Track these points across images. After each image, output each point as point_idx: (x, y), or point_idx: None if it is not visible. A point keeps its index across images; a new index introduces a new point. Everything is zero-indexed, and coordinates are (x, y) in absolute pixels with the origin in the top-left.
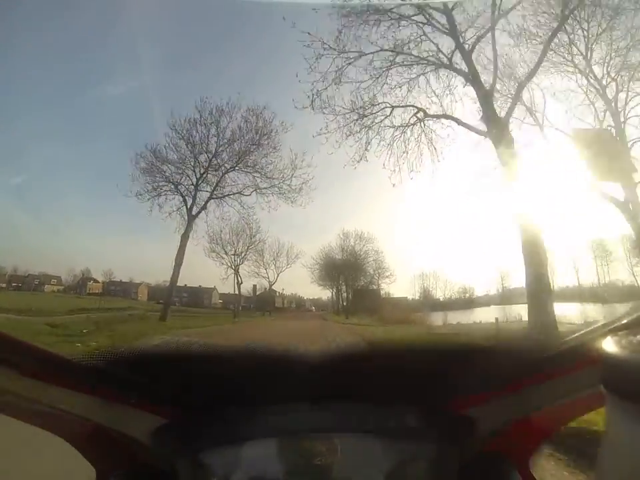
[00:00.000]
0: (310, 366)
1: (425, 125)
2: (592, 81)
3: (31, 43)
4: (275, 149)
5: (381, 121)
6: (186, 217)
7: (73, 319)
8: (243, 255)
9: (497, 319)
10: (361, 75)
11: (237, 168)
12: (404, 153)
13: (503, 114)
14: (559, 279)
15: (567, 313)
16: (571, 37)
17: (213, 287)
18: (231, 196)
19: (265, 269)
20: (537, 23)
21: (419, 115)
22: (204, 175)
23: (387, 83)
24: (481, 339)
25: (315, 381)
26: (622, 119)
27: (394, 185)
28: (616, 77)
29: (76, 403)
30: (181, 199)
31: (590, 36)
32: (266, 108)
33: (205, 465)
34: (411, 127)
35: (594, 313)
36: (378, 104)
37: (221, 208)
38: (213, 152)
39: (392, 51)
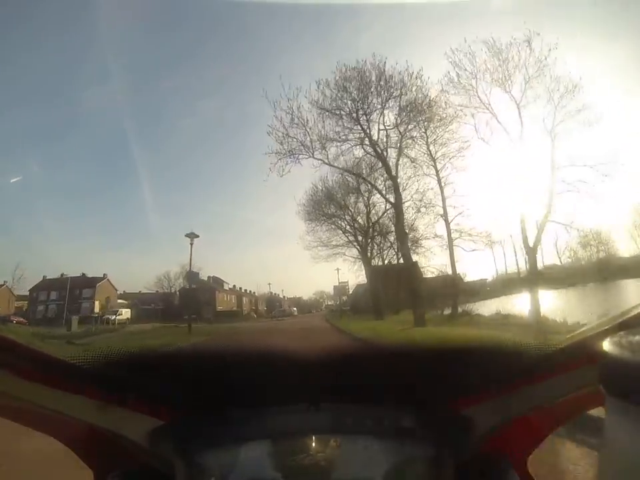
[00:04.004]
0: (308, 366)
1: None
2: None
3: None
4: None
5: None
6: None
7: None
8: None
9: None
10: None
11: None
12: None
13: None
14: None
15: None
16: None
17: (102, 275)
18: None
19: None
20: None
21: None
22: None
23: None
24: (479, 338)
25: (314, 382)
26: None
27: None
28: None
29: (73, 405)
30: None
31: None
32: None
33: (203, 466)
34: None
35: None
36: None
37: None
38: None
39: None
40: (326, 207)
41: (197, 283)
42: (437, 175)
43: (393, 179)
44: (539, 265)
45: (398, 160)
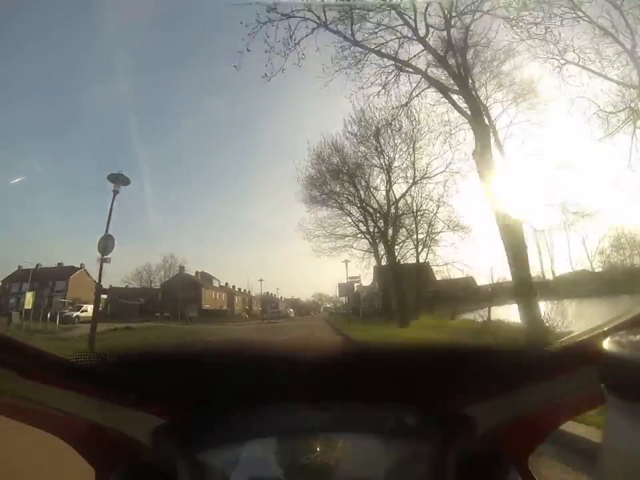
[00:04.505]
0: (310, 365)
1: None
2: None
3: None
4: None
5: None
6: None
7: None
8: None
9: None
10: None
11: None
12: None
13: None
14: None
15: None
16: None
17: (80, 265)
18: None
19: None
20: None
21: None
22: None
23: None
24: (480, 338)
25: (315, 381)
26: None
27: None
28: None
29: (75, 403)
30: None
31: None
32: None
33: (205, 465)
34: None
35: None
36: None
37: None
38: None
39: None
40: (333, 180)
41: (162, 271)
42: (494, 130)
43: (466, 81)
44: (568, 271)
45: (466, 52)
